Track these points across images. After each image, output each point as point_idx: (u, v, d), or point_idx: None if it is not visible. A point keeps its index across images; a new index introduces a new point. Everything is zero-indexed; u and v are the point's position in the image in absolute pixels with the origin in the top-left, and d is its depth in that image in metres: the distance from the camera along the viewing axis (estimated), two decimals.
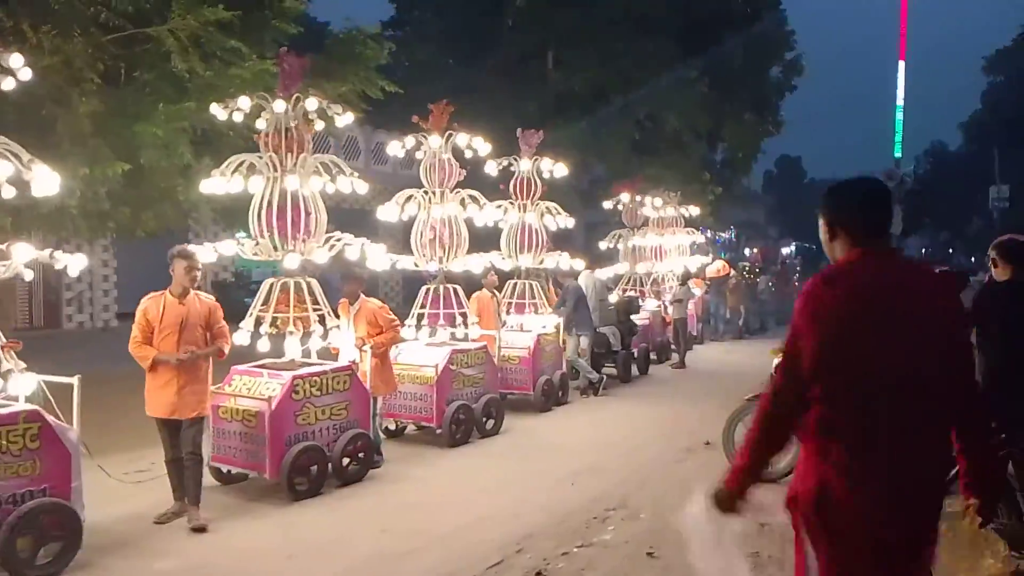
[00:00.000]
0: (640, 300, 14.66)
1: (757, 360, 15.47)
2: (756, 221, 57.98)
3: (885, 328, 2.24)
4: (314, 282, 6.94)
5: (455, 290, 8.75)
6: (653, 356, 14.27)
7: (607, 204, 15.63)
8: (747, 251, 42.51)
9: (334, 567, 5.00)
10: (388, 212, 8.51)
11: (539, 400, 10.01)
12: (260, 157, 6.68)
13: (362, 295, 7.42)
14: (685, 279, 15.27)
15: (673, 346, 14.86)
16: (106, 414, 7.10)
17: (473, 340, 8.98)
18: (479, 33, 23.31)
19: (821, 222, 2.47)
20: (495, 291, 10.04)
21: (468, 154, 8.88)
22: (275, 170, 6.66)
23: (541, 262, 10.57)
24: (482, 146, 8.82)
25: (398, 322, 7.46)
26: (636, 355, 13.09)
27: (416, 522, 5.80)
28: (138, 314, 5.66)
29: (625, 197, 15.36)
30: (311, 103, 6.63)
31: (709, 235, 28.27)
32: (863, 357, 2.24)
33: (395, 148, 8.84)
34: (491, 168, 10.05)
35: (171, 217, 9.92)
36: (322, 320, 6.89)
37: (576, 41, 22.01)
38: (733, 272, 20.86)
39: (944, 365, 2.29)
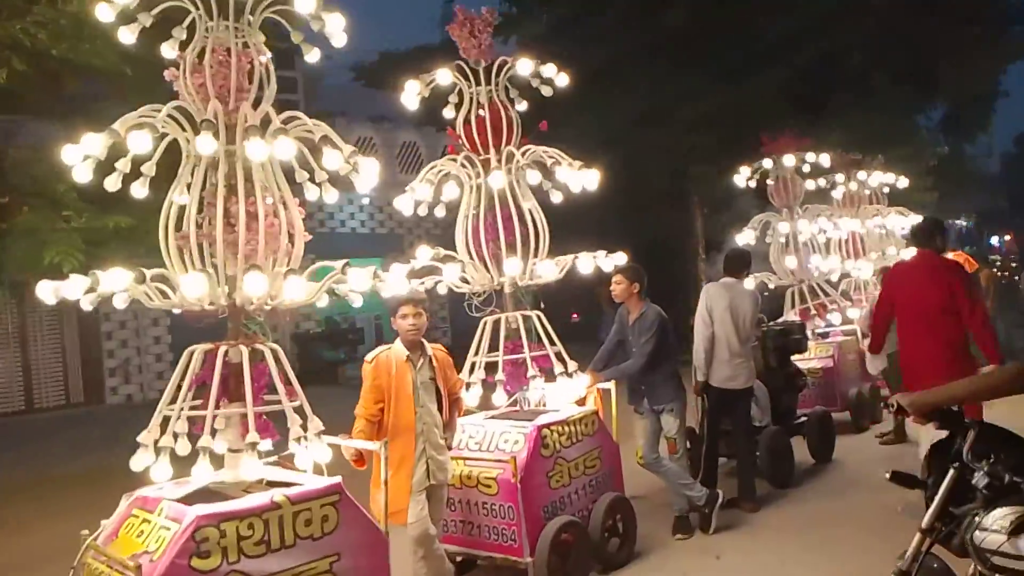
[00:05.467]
0: (810, 326, 8.66)
1: None
2: (999, 209, 46.81)
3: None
4: None
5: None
6: (845, 415, 8.25)
7: (739, 179, 9.72)
8: (994, 240, 33.04)
9: None
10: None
11: (543, 571, 4.58)
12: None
13: None
14: None
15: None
16: None
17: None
18: None
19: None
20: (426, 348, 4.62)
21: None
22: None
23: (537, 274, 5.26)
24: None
25: None
26: (805, 429, 7.31)
27: None
28: None
29: (768, 162, 9.50)
30: None
31: None
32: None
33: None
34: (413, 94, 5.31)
35: None
36: None
37: None
38: (981, 268, 13.75)
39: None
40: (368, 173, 3.93)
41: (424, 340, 4.52)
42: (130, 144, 3.71)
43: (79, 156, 3.59)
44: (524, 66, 5.66)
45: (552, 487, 4.84)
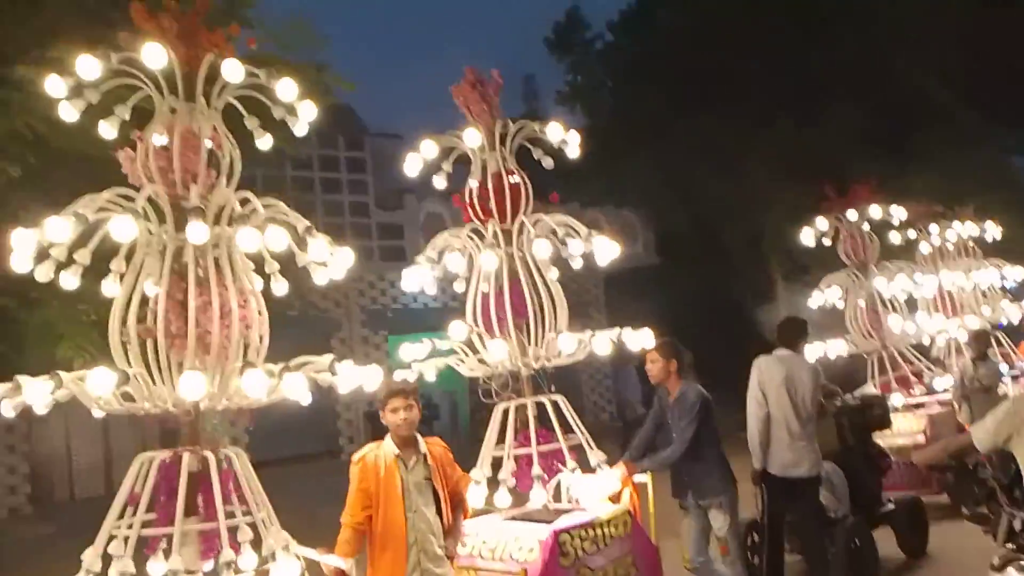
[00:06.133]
0: (902, 396, 7.79)
1: None
2: None
3: None
4: None
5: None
6: (940, 497, 7.30)
7: (806, 236, 8.95)
8: None
9: None
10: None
11: None
12: None
13: None
14: (983, 347, 8.03)
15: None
16: None
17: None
18: None
19: None
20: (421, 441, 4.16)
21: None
22: None
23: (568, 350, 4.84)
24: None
25: None
26: (894, 518, 6.53)
27: None
28: None
29: (852, 215, 8.77)
30: None
31: None
32: None
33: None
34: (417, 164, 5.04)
35: None
36: None
37: None
38: None
39: None
40: (342, 262, 3.70)
41: (419, 435, 4.08)
42: (113, 232, 3.51)
43: (30, 244, 3.37)
44: (554, 131, 5.33)
45: None
